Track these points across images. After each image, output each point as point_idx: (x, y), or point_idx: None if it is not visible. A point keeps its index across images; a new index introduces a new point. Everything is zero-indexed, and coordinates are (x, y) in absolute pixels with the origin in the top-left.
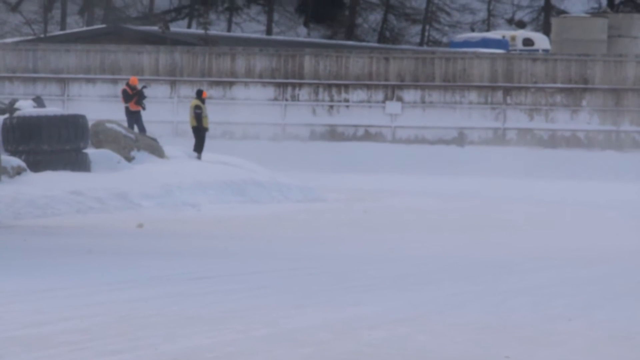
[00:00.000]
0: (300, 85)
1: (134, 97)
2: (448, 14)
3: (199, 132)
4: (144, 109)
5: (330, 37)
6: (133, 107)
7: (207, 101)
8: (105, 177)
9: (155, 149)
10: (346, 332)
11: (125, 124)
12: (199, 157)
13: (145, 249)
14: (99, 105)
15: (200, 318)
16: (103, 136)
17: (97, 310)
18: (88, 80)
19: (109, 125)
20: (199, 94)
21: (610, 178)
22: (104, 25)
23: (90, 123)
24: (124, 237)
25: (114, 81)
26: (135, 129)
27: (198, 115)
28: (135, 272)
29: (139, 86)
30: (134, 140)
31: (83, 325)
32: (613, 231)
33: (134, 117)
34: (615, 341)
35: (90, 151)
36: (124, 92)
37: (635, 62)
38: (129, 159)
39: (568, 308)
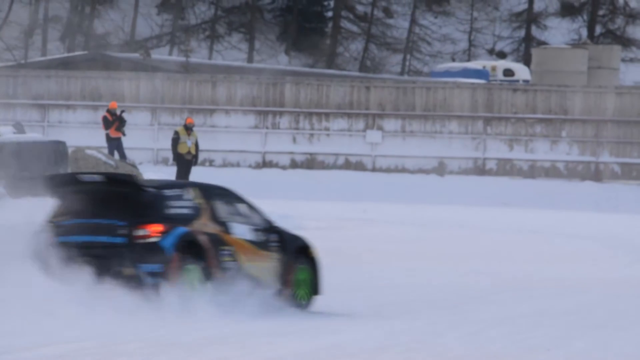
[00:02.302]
0: (281, 113)
1: (114, 123)
2: (429, 43)
3: (175, 158)
4: (124, 134)
5: (312, 66)
6: (113, 134)
7: (194, 128)
8: None
9: (135, 176)
10: None
11: (106, 151)
12: None
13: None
14: (79, 131)
15: (178, 345)
16: (83, 163)
17: (76, 336)
18: (68, 107)
19: (88, 151)
20: (185, 120)
21: (589, 209)
22: (85, 52)
23: (70, 150)
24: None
25: (95, 108)
26: (116, 155)
27: (173, 141)
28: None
29: (118, 111)
30: (114, 167)
31: (60, 351)
32: (591, 261)
33: (114, 144)
34: None
35: None
36: (104, 118)
37: (615, 94)
38: None
39: (547, 338)
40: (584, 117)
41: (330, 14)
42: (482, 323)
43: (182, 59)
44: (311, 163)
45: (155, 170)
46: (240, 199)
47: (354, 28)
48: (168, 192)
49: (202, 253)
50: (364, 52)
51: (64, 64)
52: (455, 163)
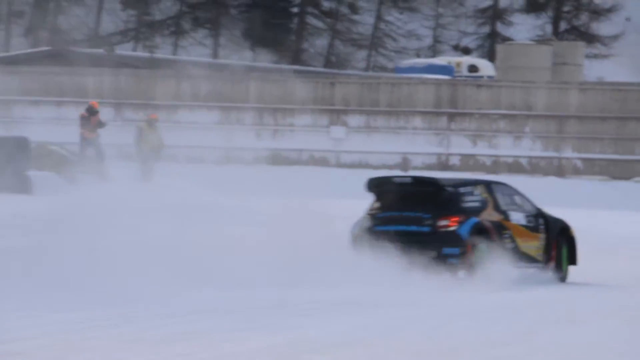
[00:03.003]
0: (245, 109)
1: (90, 120)
2: (394, 39)
3: (138, 154)
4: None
5: (277, 62)
6: (87, 135)
7: (157, 124)
8: (48, 200)
9: (99, 172)
10: (289, 356)
11: (69, 147)
12: (143, 180)
13: (85, 271)
14: (42, 128)
15: (141, 341)
16: (46, 159)
17: (34, 333)
18: (31, 103)
19: (52, 147)
20: (149, 116)
21: (552, 204)
22: (48, 48)
23: (33, 145)
24: (65, 259)
25: (58, 104)
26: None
27: (135, 137)
28: (75, 295)
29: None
30: (77, 163)
31: (19, 349)
32: None
33: (91, 144)
34: None
35: (33, 173)
36: (81, 117)
37: (578, 90)
38: (72, 182)
39: (508, 333)
40: (548, 113)
41: (295, 9)
42: (443, 317)
43: (147, 54)
44: (275, 159)
45: (119, 166)
46: (515, 191)
47: (320, 24)
48: (462, 189)
49: (488, 237)
50: (329, 48)
51: (28, 60)
52: (419, 159)
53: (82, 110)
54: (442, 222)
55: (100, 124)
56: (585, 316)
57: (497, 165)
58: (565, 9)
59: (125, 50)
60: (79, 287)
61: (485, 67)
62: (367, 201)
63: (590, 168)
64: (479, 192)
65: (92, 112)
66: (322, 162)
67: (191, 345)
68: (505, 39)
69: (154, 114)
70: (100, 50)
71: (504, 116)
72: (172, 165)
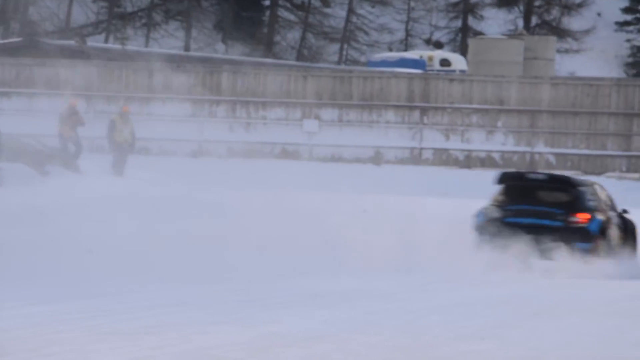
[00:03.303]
0: (218, 102)
1: (69, 118)
2: (366, 33)
3: (111, 147)
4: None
5: (249, 54)
6: (65, 133)
7: (130, 116)
8: (18, 192)
9: (70, 164)
10: (261, 350)
11: (40, 138)
12: (116, 173)
13: (59, 263)
14: (13, 119)
15: (116, 334)
16: (17, 150)
17: (10, 325)
18: (3, 94)
19: (23, 139)
20: (121, 108)
21: None
22: (19, 39)
23: (4, 137)
24: (37, 252)
25: (30, 95)
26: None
27: (108, 129)
28: (48, 288)
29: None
30: (49, 155)
31: None
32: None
33: (71, 140)
34: None
35: (4, 165)
36: (61, 115)
37: (550, 84)
38: (43, 174)
39: (482, 327)
40: (520, 108)
41: (267, 2)
42: (417, 312)
43: (119, 46)
44: (248, 152)
45: (91, 159)
46: (608, 193)
47: (292, 17)
48: (589, 189)
49: (607, 235)
50: (301, 41)
51: None
52: (391, 152)
53: (60, 106)
54: (575, 218)
55: (80, 123)
56: (561, 311)
57: (469, 159)
58: (537, 3)
59: (96, 42)
60: (51, 280)
61: (457, 61)
62: (339, 195)
63: (563, 163)
64: (597, 192)
65: (71, 111)
66: (295, 155)
67: (165, 339)
68: (477, 33)
69: (126, 107)
70: (72, 42)
71: (477, 110)
72: (144, 158)
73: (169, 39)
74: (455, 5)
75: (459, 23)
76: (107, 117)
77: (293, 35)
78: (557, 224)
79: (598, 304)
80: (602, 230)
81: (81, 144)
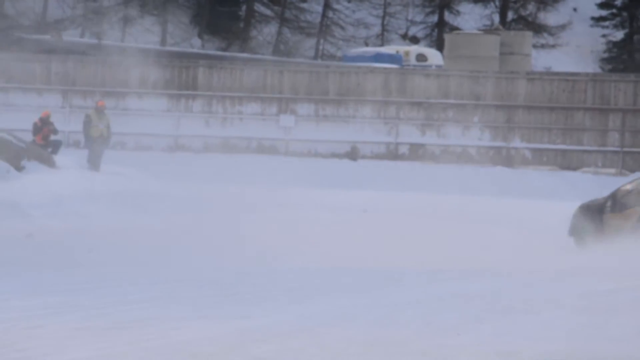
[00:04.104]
0: (194, 96)
1: (42, 130)
2: (343, 28)
3: (87, 142)
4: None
5: (225, 49)
6: (39, 141)
7: (106, 111)
8: None
9: (46, 159)
10: (236, 345)
11: (15, 133)
12: (92, 168)
13: (34, 259)
14: None
15: (89, 329)
16: None
17: None
18: None
19: None
20: (96, 103)
21: (501, 194)
22: None
23: None
24: (12, 246)
25: (5, 90)
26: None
27: (84, 124)
28: (21, 282)
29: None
30: (24, 149)
31: None
32: (502, 246)
33: (47, 147)
34: (503, 356)
35: None
36: (34, 124)
37: (526, 79)
38: (19, 169)
39: (458, 322)
40: (496, 103)
41: None
42: (393, 306)
43: (95, 41)
44: (224, 147)
45: (67, 154)
46: None
47: (268, 12)
48: None
49: None
50: (277, 36)
51: None
52: (367, 147)
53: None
54: None
55: (53, 133)
56: (536, 306)
57: (446, 154)
58: None
59: (72, 36)
60: (23, 275)
61: (434, 56)
62: (314, 189)
63: (539, 158)
64: None
65: (44, 122)
66: (271, 150)
67: (139, 334)
68: (453, 29)
69: (102, 101)
70: (48, 37)
71: (453, 105)
72: (120, 153)
73: (145, 34)
74: (431, 0)
75: (435, 18)
76: (83, 112)
77: (269, 30)
78: None
79: (573, 299)
80: None
81: (59, 145)
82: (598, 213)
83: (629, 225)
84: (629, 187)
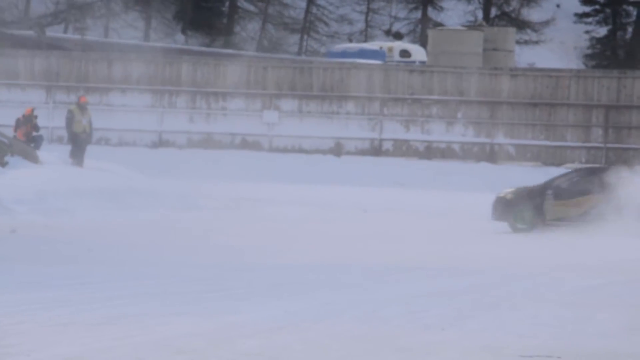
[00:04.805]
0: (178, 92)
1: (24, 125)
2: (326, 24)
3: (70, 137)
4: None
5: (208, 45)
6: (20, 137)
7: (88, 107)
8: None
9: (30, 154)
10: (222, 341)
11: (3, 129)
12: (75, 163)
13: (17, 254)
14: None
15: (75, 325)
16: None
17: None
18: None
19: None
20: (78, 99)
21: (485, 189)
22: None
23: None
24: None
25: None
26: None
27: (67, 120)
28: (6, 278)
29: (33, 116)
30: (8, 145)
31: None
32: (486, 241)
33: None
34: (488, 351)
35: None
36: (17, 120)
37: (510, 75)
38: (2, 164)
39: (442, 318)
40: (480, 99)
41: None
42: (378, 302)
43: (78, 36)
44: (208, 142)
45: (50, 149)
46: None
47: (251, 7)
48: None
49: None
50: (261, 31)
51: None
52: (352, 144)
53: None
54: None
55: (35, 129)
56: (520, 301)
57: (429, 150)
58: None
59: (56, 32)
60: (7, 271)
61: (417, 52)
62: (298, 186)
63: (523, 154)
64: None
65: (27, 119)
66: (255, 146)
67: (125, 329)
68: (437, 24)
69: (84, 97)
70: (31, 32)
71: (437, 102)
72: (103, 149)
73: (129, 30)
74: None
75: (418, 14)
76: (67, 108)
77: (253, 26)
78: None
79: (557, 294)
80: None
81: (41, 142)
82: (538, 200)
83: (574, 213)
84: (573, 177)
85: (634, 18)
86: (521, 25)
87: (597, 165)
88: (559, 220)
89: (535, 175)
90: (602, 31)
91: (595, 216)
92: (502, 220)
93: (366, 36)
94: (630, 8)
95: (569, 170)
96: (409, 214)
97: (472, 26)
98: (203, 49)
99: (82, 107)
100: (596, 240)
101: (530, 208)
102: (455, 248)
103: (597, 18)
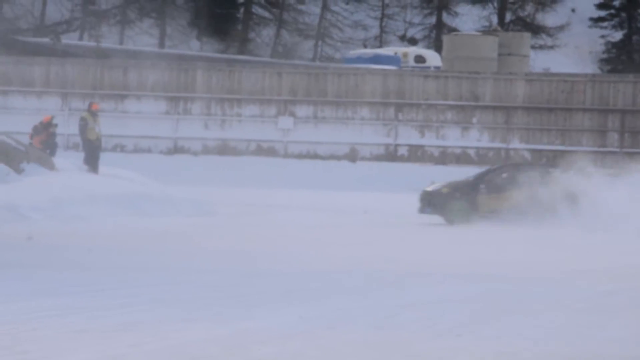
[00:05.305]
0: (193, 99)
1: (41, 134)
2: (341, 30)
3: (84, 145)
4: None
5: (223, 52)
6: (37, 145)
7: (99, 114)
8: None
9: (46, 162)
10: (236, 347)
11: (15, 136)
12: (90, 170)
13: (34, 261)
14: None
15: (90, 331)
16: None
17: None
18: None
19: None
20: (89, 106)
21: None
22: None
23: None
24: (12, 249)
25: (4, 92)
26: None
27: (81, 127)
28: (22, 285)
29: (52, 125)
30: (24, 152)
31: None
32: (502, 246)
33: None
34: (502, 357)
35: None
36: (35, 127)
37: (525, 80)
38: (19, 171)
39: (456, 324)
40: (495, 104)
41: None
42: (392, 309)
43: (93, 44)
44: (223, 149)
45: (66, 156)
46: None
47: (266, 14)
48: None
49: None
50: (275, 38)
51: None
52: (366, 149)
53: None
54: None
55: (51, 138)
56: (535, 307)
57: (444, 156)
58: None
59: (71, 39)
60: (24, 278)
61: (432, 58)
62: (313, 191)
63: (538, 159)
64: None
65: (45, 126)
66: (270, 152)
67: (139, 336)
68: (452, 30)
69: (96, 104)
70: (47, 40)
71: (452, 107)
72: (119, 155)
73: (144, 37)
74: (429, 1)
75: (433, 19)
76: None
77: (267, 32)
78: None
79: (572, 300)
80: None
81: (55, 148)
82: (472, 194)
83: (505, 206)
84: (503, 174)
85: None
86: (536, 30)
87: (524, 162)
88: (492, 213)
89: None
90: (618, 35)
91: (524, 209)
92: (437, 214)
93: (381, 42)
94: None
95: (498, 165)
96: (424, 219)
97: (487, 31)
98: (218, 55)
99: (94, 114)
100: (599, 244)
101: (466, 201)
102: (469, 254)
103: (612, 22)
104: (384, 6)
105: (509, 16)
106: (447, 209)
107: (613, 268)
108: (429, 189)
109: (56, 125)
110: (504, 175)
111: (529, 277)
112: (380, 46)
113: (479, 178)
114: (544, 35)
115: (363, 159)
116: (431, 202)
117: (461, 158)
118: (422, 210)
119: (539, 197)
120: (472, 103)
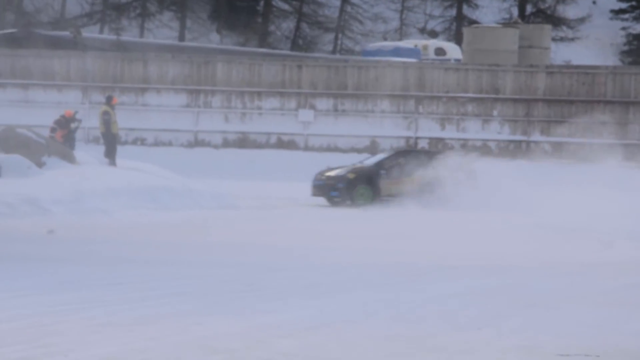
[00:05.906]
0: (213, 92)
1: (63, 129)
2: (361, 22)
3: (108, 138)
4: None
5: (243, 44)
6: (59, 138)
7: (118, 107)
8: (15, 183)
9: (67, 155)
10: (257, 340)
11: (36, 129)
12: (111, 163)
13: (56, 254)
14: (9, 110)
15: (112, 325)
16: (13, 141)
17: (6, 316)
18: None
19: (19, 130)
20: (109, 99)
21: (522, 187)
22: (14, 30)
23: (0, 128)
24: (34, 242)
25: (25, 86)
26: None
27: (106, 121)
28: (44, 278)
29: (75, 119)
30: (45, 145)
31: None
32: (522, 240)
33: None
34: (524, 350)
35: (1, 156)
36: (58, 121)
37: (546, 73)
38: (40, 165)
39: (478, 317)
40: (515, 97)
41: None
42: (413, 302)
43: (113, 37)
44: (243, 142)
45: (87, 149)
46: None
47: (286, 6)
48: None
49: None
50: (295, 30)
51: None
52: (387, 142)
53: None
54: None
55: (72, 132)
56: (556, 300)
57: (465, 148)
58: None
59: (91, 32)
60: (45, 271)
61: (452, 50)
62: None
63: (559, 151)
64: None
65: (68, 121)
66: (291, 145)
67: (161, 329)
68: (472, 22)
69: (115, 98)
70: (67, 33)
71: (472, 99)
72: (139, 149)
73: (164, 29)
74: None
75: (453, 12)
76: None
77: (287, 25)
78: None
79: (593, 293)
80: None
81: (74, 142)
82: (375, 179)
83: (403, 190)
84: (399, 159)
85: None
86: (557, 22)
87: (418, 149)
88: (391, 197)
89: (570, 172)
90: (639, 27)
91: (420, 192)
92: (342, 198)
93: (401, 34)
94: None
95: (393, 152)
96: (442, 212)
97: (508, 23)
98: (238, 48)
99: (113, 107)
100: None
101: (369, 186)
102: (489, 247)
103: (633, 14)
104: None
105: (529, 8)
106: (353, 193)
107: (629, 261)
108: (331, 173)
109: (80, 121)
110: (400, 160)
111: (548, 270)
112: (400, 39)
113: (379, 164)
114: (564, 28)
115: (383, 151)
116: (336, 186)
117: (482, 151)
118: (320, 194)
119: (432, 181)
120: (493, 95)
